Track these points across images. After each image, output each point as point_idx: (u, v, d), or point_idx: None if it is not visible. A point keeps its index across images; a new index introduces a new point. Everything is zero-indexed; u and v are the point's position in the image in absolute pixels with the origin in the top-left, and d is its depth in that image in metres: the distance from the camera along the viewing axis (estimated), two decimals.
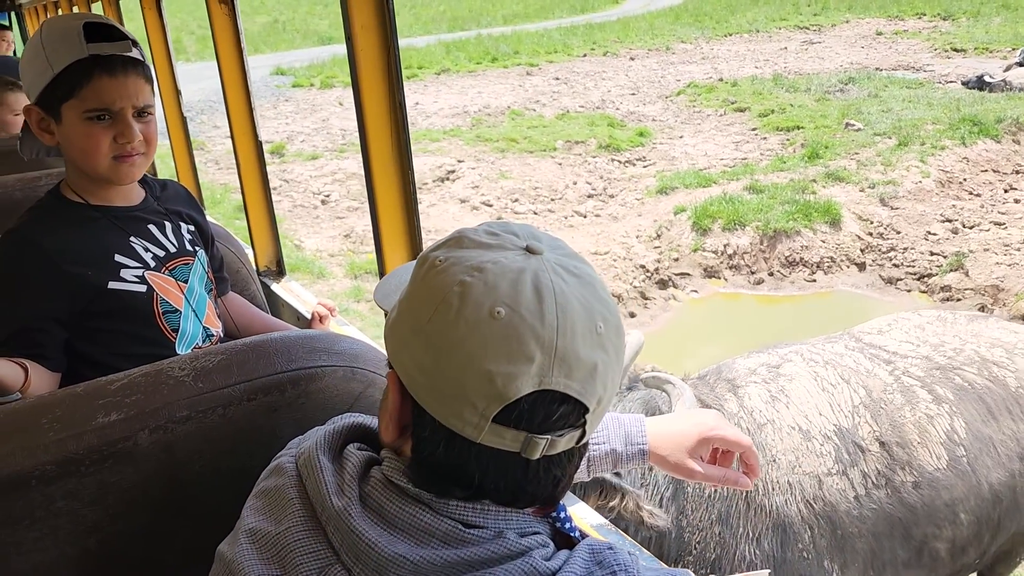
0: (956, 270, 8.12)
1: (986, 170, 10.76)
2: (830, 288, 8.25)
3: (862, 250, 8.75)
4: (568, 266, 0.80)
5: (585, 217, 9.77)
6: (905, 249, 8.76)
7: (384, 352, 0.98)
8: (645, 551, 1.04)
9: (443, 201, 10.13)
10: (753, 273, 8.43)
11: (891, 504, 2.39)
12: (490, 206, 9.93)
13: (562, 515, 0.85)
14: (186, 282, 1.54)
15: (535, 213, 9.80)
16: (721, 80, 16.19)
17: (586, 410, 0.77)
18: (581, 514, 1.15)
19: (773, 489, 2.36)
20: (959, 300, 7.83)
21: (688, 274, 8.39)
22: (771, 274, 8.39)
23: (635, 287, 8.06)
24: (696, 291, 8.21)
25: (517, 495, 0.80)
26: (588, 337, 0.76)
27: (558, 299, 0.76)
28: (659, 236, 8.92)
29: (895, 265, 8.53)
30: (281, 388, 1.07)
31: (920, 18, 22.47)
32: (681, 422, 1.22)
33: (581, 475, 1.19)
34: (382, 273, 1.62)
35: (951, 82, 15.83)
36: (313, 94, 16.83)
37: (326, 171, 11.46)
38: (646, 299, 8.02)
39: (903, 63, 17.71)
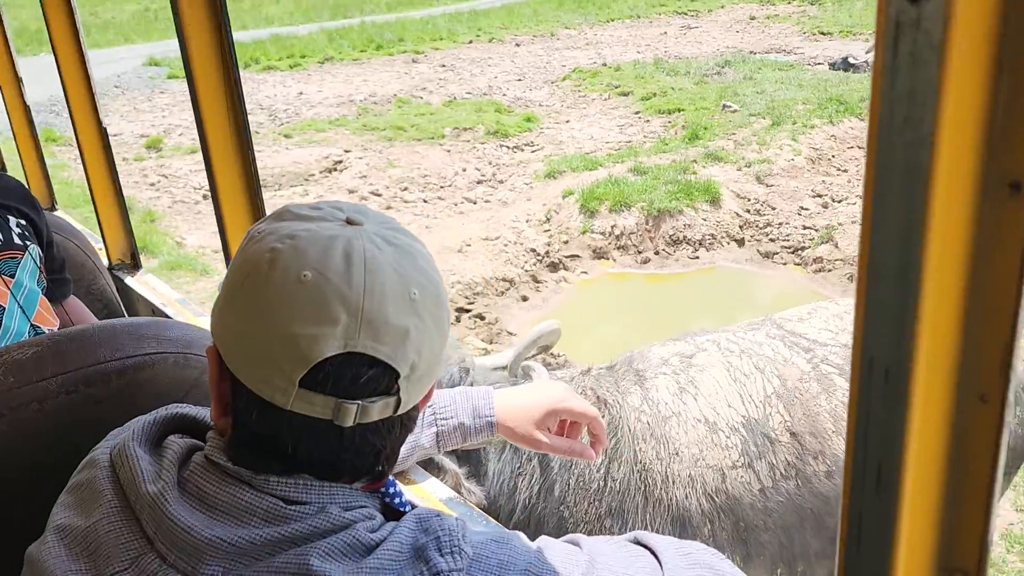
0: (827, 242, 8.56)
1: (852, 146, 11.38)
2: (712, 264, 8.55)
3: (741, 226, 9.11)
4: (388, 236, 0.80)
5: (475, 203, 9.77)
6: (780, 224, 9.17)
7: None
8: (486, 517, 1.05)
9: (331, 192, 9.92)
10: (640, 252, 8.64)
11: (801, 495, 2.37)
12: (379, 195, 9.80)
13: (391, 490, 0.85)
14: (12, 276, 1.45)
15: (425, 201, 9.74)
16: (605, 65, 16.48)
17: (397, 375, 0.77)
18: (431, 489, 1.15)
19: (674, 483, 2.33)
20: (830, 271, 8.26)
21: (578, 256, 8.53)
22: (657, 253, 8.63)
23: (526, 271, 8.14)
24: (586, 272, 8.36)
25: (337, 467, 0.79)
26: (400, 303, 0.76)
27: (368, 264, 0.76)
28: (548, 220, 9.02)
29: (771, 240, 8.92)
30: (106, 379, 1.01)
31: (790, 3, 23.47)
32: (529, 394, 1.24)
33: (431, 450, 1.19)
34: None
35: (819, 64, 16.64)
36: None
37: None
38: (538, 282, 8.11)
39: (775, 46, 18.49)
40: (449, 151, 11.31)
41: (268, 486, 0.77)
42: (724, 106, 12.88)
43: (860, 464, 0.46)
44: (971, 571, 0.47)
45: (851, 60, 15.95)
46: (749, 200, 9.54)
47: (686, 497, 2.33)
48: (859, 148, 11.34)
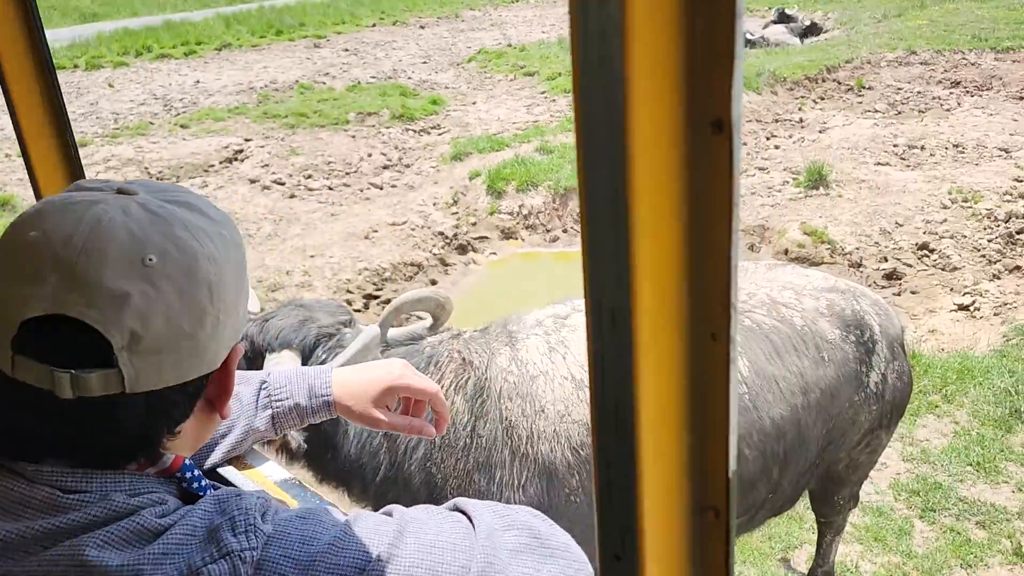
0: None
1: (750, 120, 11.70)
2: None
3: None
4: (150, 204, 0.77)
5: (381, 189, 9.65)
6: None
7: None
8: (325, 499, 1.04)
9: (231, 183, 9.63)
10: (548, 231, 8.70)
11: None
12: (282, 184, 9.56)
13: (188, 475, 0.81)
14: None
15: (330, 188, 9.56)
16: (510, 46, 16.47)
17: (110, 345, 0.72)
18: (268, 472, 1.13)
19: (539, 438, 2.38)
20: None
21: (487, 237, 8.53)
22: (565, 231, 8.70)
23: (435, 254, 8.09)
24: (495, 253, 8.37)
25: (75, 447, 0.75)
26: (123, 266, 0.72)
27: (97, 227, 0.72)
28: (456, 202, 8.98)
29: None
30: None
31: None
32: (367, 372, 1.21)
33: (267, 433, 1.16)
34: None
35: None
36: (78, 76, 15.38)
37: (98, 159, 10.55)
38: (447, 265, 8.08)
39: None
40: (354, 136, 11.12)
41: (43, 476, 0.73)
42: None
43: (602, 408, 0.46)
44: (720, 508, 0.49)
45: (748, 36, 16.35)
46: None
47: (551, 451, 2.39)
48: (757, 122, 11.67)
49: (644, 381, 0.44)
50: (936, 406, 4.91)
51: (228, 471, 1.10)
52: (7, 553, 0.69)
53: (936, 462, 4.40)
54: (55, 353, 0.71)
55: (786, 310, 2.65)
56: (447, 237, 8.36)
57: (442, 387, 2.43)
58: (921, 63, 13.90)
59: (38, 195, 1.38)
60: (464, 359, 2.49)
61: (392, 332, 2.53)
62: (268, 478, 1.08)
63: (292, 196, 9.24)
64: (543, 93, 13.22)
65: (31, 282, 0.70)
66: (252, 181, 9.66)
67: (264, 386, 1.18)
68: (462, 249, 8.31)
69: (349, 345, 2.26)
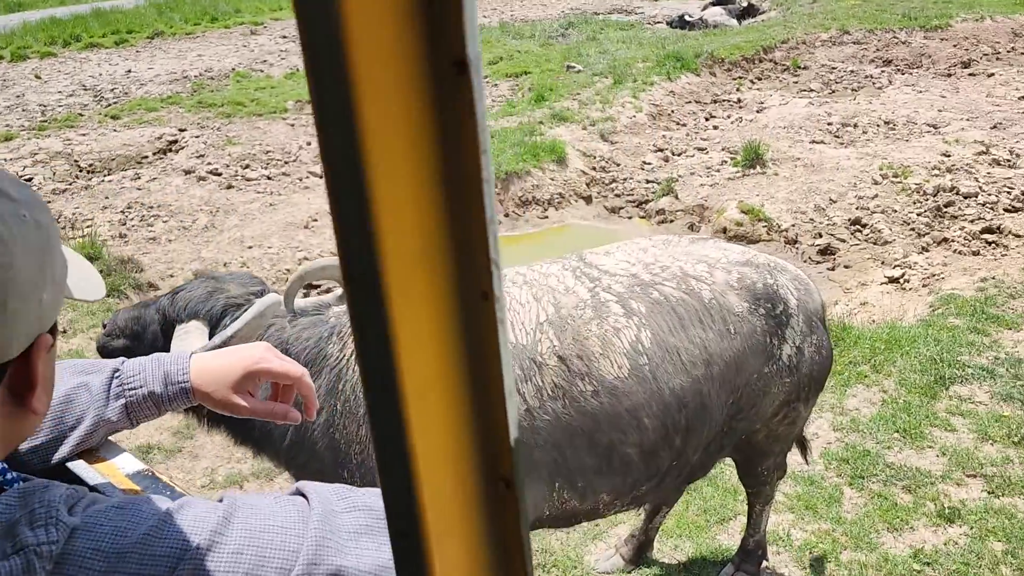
0: (668, 194, 8.87)
1: (690, 101, 11.81)
2: (562, 223, 8.70)
3: (587, 184, 9.30)
4: None
5: (321, 177, 9.51)
6: (624, 180, 9.42)
7: None
8: (182, 491, 1.01)
9: (165, 174, 9.39)
10: None
11: (568, 414, 2.47)
12: (218, 175, 9.36)
13: None
14: None
15: (268, 178, 9.39)
16: None
17: None
18: (121, 464, 1.09)
19: None
20: (672, 221, 8.59)
21: None
22: (507, 215, 8.69)
23: None
24: None
25: None
26: None
27: None
28: None
29: (617, 195, 9.16)
30: None
31: None
32: (227, 356, 1.18)
33: (121, 423, 1.12)
34: None
35: (658, 23, 17.13)
36: (3, 68, 14.84)
37: (24, 152, 10.19)
38: None
39: (617, 7, 18.89)
40: (292, 125, 10.93)
41: None
42: (568, 67, 13.06)
43: (369, 385, 0.45)
44: (510, 479, 0.48)
45: (687, 17, 16.49)
46: (595, 158, 9.74)
47: None
48: (696, 103, 11.79)
49: (407, 349, 0.43)
50: (865, 376, 5.04)
51: (76, 465, 1.06)
52: None
53: (865, 430, 4.51)
54: None
55: (696, 283, 2.68)
56: None
57: (344, 356, 2.43)
58: (854, 42, 14.17)
59: None
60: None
61: (299, 302, 2.51)
62: (120, 470, 1.04)
63: (229, 187, 9.05)
64: (484, 77, 13.13)
65: None
66: (187, 172, 9.43)
67: (116, 375, 1.13)
68: None
69: (244, 313, 2.25)
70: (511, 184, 8.93)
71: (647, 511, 3.63)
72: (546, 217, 8.72)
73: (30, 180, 9.54)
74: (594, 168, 9.59)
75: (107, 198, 8.79)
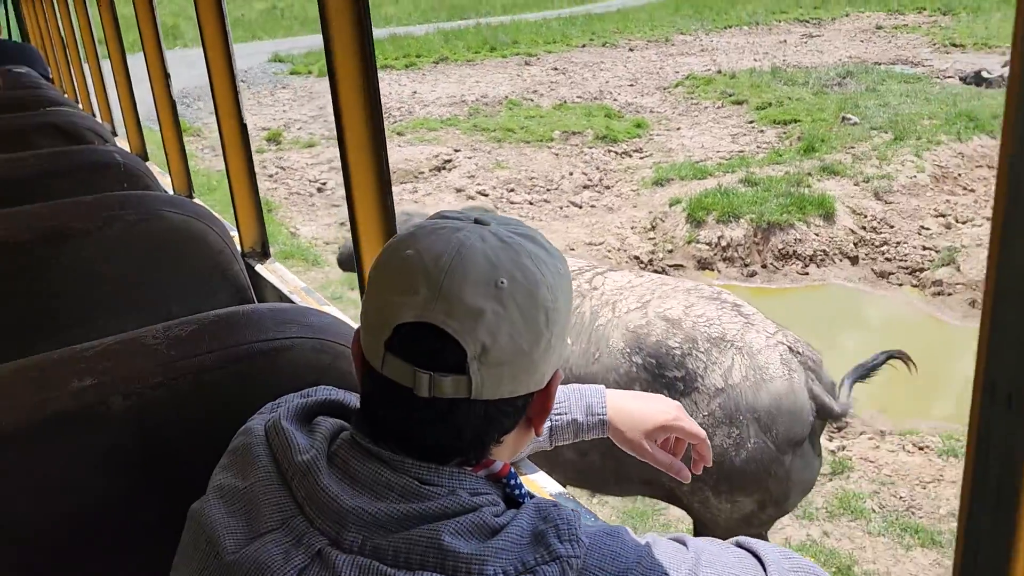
0: (948, 264, 8.16)
1: (980, 165, 10.79)
2: (823, 281, 8.28)
3: (855, 244, 8.78)
4: (501, 234, 0.87)
5: (580, 208, 9.79)
6: (898, 243, 8.79)
7: (354, 326, 1.03)
8: (592, 513, 1.09)
9: (439, 190, 10.15)
10: (746, 265, 8.46)
11: None
12: (486, 195, 9.95)
13: (512, 482, 0.90)
14: None
15: (531, 203, 9.83)
16: (720, 72, 16.17)
17: (466, 354, 0.81)
18: (542, 483, 1.19)
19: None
20: (950, 295, 7.87)
21: (682, 265, 8.43)
22: (764, 266, 8.43)
23: None
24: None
25: (412, 440, 0.86)
26: (480, 287, 0.82)
27: (461, 250, 0.83)
28: (654, 227, 8.95)
29: (887, 259, 8.57)
30: (251, 358, 1.11)
31: (920, 12, 22.44)
32: (644, 403, 1.27)
33: (543, 444, 1.24)
34: (359, 257, 1.66)
35: (949, 77, 15.83)
36: (311, 82, 16.82)
37: (322, 159, 11.48)
38: None
39: (902, 57, 17.72)
40: (557, 154, 11.36)
41: (405, 467, 0.84)
42: (843, 118, 12.44)
43: (980, 484, 0.48)
44: None
45: (984, 74, 15.11)
46: (866, 217, 9.18)
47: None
48: (989, 168, 10.74)
49: None
50: None
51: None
52: (376, 528, 0.80)
53: None
54: (419, 355, 0.82)
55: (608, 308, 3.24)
56: (642, 262, 8.35)
57: None
58: None
59: (352, 204, 1.55)
60: None
61: None
62: (543, 488, 1.15)
63: (495, 208, 9.58)
64: (751, 123, 12.88)
65: (406, 293, 0.82)
66: (458, 190, 10.12)
67: None
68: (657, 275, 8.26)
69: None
70: (771, 235, 8.66)
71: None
72: (806, 273, 8.35)
73: (325, 184, 10.72)
74: (864, 228, 9.03)
75: None
